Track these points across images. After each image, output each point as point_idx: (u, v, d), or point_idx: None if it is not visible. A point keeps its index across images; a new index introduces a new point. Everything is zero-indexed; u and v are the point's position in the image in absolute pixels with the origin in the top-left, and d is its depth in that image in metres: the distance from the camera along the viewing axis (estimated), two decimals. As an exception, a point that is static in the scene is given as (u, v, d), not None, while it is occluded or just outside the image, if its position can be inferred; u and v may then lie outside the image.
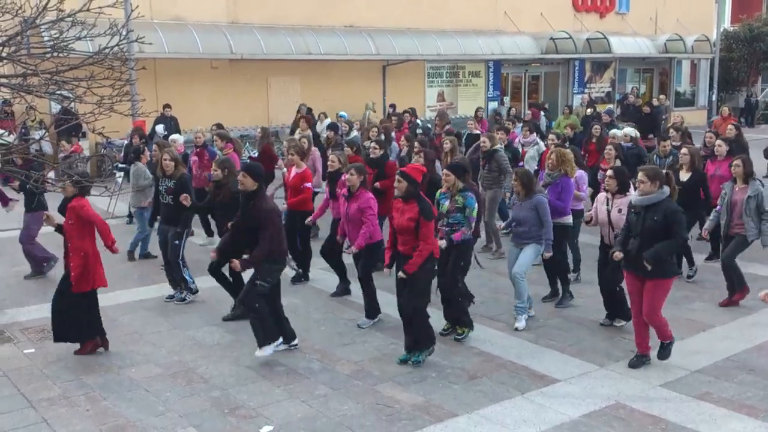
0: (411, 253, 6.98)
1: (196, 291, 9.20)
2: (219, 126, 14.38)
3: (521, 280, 8.10)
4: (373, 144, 10.70)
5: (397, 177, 7.12)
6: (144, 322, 8.53)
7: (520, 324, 8.15)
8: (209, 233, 12.04)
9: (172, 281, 9.22)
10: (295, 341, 7.57)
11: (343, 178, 8.70)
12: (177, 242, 9.00)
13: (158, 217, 9.53)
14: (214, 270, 8.33)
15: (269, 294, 7.22)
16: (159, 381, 6.89)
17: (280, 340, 7.33)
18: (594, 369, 7.07)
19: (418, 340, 7.16)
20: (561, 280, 9.04)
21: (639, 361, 7.13)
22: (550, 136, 12.25)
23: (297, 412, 6.24)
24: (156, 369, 7.17)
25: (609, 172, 7.96)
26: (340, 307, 8.90)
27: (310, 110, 18.99)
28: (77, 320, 7.41)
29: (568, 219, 9.04)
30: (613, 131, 13.16)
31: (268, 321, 7.19)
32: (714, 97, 32.10)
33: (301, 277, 9.92)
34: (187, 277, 9.13)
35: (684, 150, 10.06)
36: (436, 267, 7.36)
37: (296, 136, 14.92)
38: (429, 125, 17.96)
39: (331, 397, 6.52)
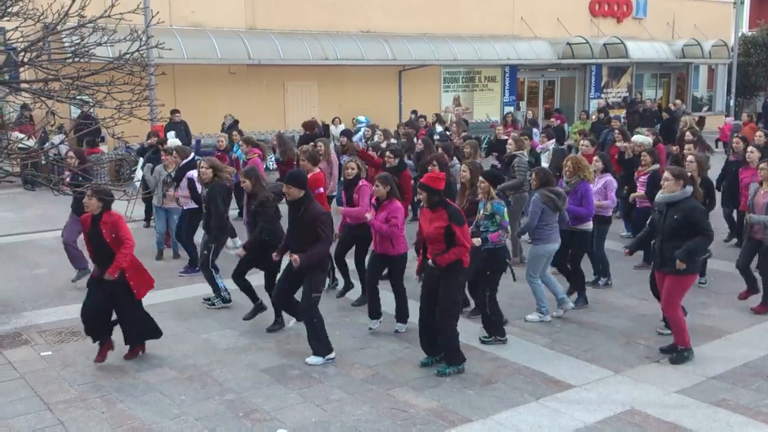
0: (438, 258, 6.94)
1: (228, 300, 9.06)
2: (236, 123, 13.87)
3: (534, 284, 8.44)
4: (388, 153, 10.38)
5: (418, 188, 7.11)
6: (159, 325, 8.57)
7: (531, 317, 8.45)
8: (233, 234, 11.99)
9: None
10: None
11: (361, 184, 8.84)
12: (206, 252, 8.94)
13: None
14: (238, 276, 8.41)
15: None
16: (174, 384, 6.94)
17: (333, 354, 7.41)
18: (609, 375, 7.04)
19: (445, 354, 7.10)
20: (578, 285, 9.08)
21: (680, 357, 7.25)
22: (584, 142, 11.87)
23: (311, 416, 6.26)
24: (171, 372, 7.22)
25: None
26: (354, 312, 8.91)
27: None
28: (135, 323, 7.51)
29: (588, 225, 9.01)
30: (635, 138, 13.07)
31: (324, 332, 7.38)
32: (732, 102, 31.87)
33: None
34: (219, 284, 9.01)
35: (690, 157, 9.93)
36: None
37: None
38: (448, 132, 17.87)
39: (345, 401, 6.54)
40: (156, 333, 7.64)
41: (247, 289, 8.49)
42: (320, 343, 7.34)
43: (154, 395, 6.70)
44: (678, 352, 7.26)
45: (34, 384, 6.95)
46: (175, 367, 7.32)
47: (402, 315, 8.26)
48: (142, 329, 7.54)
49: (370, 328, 8.23)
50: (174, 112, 18.00)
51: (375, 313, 8.25)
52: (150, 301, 9.36)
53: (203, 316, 8.86)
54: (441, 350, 7.15)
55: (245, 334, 8.19)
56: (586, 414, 6.25)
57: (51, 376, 7.13)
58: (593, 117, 20.65)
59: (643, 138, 12.66)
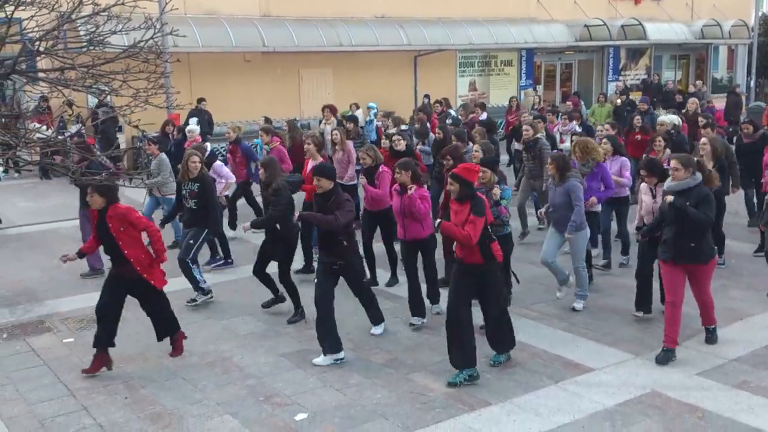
0: (469, 257, 6.65)
1: (209, 291, 8.93)
2: (267, 120, 14.01)
3: (582, 271, 8.38)
4: (396, 136, 10.72)
5: (449, 179, 6.87)
6: (179, 312, 8.56)
7: (578, 305, 8.35)
8: (233, 226, 12.04)
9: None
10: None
11: (381, 170, 8.98)
12: (192, 242, 8.72)
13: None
14: (258, 271, 8.44)
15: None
16: (195, 370, 6.99)
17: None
18: (629, 358, 7.01)
19: (507, 344, 7.01)
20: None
21: (666, 356, 6.89)
22: (599, 128, 12.18)
23: (331, 400, 6.29)
24: (192, 358, 7.28)
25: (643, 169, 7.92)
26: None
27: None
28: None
29: (597, 206, 9.06)
30: (661, 118, 12.92)
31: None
32: (752, 83, 31.43)
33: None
34: (197, 276, 8.82)
35: (704, 140, 9.85)
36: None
37: (322, 127, 14.87)
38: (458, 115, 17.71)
39: (364, 385, 6.56)
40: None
41: (268, 282, 8.46)
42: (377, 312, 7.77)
43: (176, 381, 6.76)
44: (711, 332, 7.31)
45: (57, 370, 7.04)
46: (196, 353, 7.38)
47: (418, 306, 8.04)
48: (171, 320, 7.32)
49: (412, 324, 7.98)
50: (200, 100, 18.05)
51: (419, 309, 8.06)
52: (170, 288, 9.40)
53: (221, 303, 8.91)
54: (502, 344, 7.01)
55: (263, 320, 8.24)
56: (606, 397, 6.23)
57: (74, 362, 7.21)
58: (617, 101, 20.34)
59: (667, 117, 12.60)
